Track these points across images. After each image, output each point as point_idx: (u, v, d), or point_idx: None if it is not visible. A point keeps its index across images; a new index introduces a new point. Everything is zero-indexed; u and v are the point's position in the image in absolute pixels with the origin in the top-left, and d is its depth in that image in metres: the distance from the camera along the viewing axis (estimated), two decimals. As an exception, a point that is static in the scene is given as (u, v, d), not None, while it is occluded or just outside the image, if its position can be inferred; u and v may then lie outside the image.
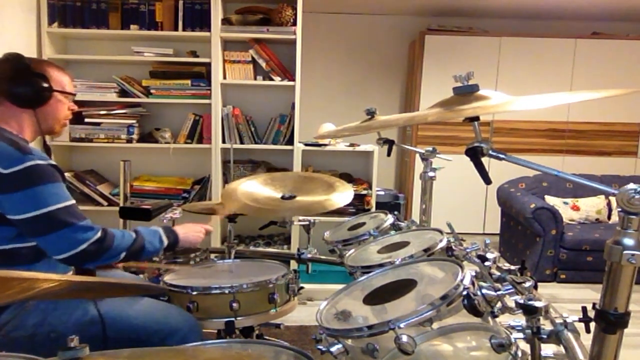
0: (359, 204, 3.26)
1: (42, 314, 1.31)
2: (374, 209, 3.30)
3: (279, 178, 1.93)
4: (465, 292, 0.88)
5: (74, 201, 1.34)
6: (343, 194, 1.78)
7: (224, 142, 3.21)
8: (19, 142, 1.31)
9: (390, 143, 1.96)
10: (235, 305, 1.45)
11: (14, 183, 1.25)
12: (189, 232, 1.60)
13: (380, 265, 1.27)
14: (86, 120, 3.14)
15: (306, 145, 3.28)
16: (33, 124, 1.42)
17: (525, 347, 0.90)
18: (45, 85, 1.40)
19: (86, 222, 1.33)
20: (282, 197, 1.78)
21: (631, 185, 0.71)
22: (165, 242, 1.51)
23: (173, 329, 1.37)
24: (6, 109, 1.39)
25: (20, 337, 1.28)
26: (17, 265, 1.31)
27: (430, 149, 1.84)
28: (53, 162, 1.34)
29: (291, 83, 3.18)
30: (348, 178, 3.44)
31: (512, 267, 1.07)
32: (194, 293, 1.47)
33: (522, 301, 0.90)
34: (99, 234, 1.33)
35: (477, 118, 0.95)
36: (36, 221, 1.26)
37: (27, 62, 1.40)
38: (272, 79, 3.20)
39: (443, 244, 1.31)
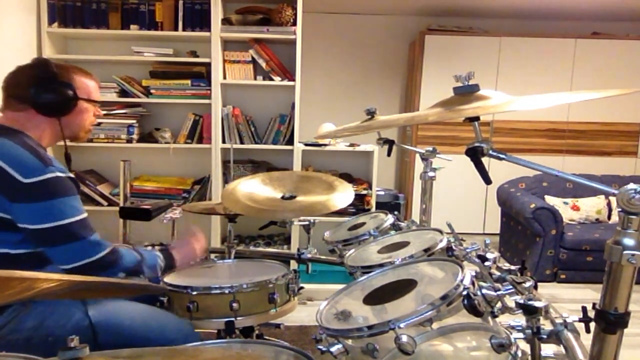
0: (359, 204, 3.26)
1: (40, 317, 1.30)
2: (374, 209, 3.30)
3: (278, 177, 1.93)
4: (465, 292, 0.88)
5: (86, 214, 1.35)
6: (343, 194, 1.78)
7: (224, 142, 3.21)
8: (39, 151, 1.30)
9: (390, 143, 1.96)
10: (235, 305, 1.45)
11: (32, 193, 1.25)
12: (185, 259, 1.61)
13: (380, 265, 1.26)
14: (86, 120, 3.13)
15: (306, 145, 3.28)
16: (54, 131, 1.40)
17: (525, 347, 0.90)
18: (71, 94, 1.38)
19: (96, 237, 1.34)
20: (282, 197, 1.78)
21: (631, 185, 0.71)
22: (161, 270, 1.53)
23: (170, 338, 1.37)
24: (29, 116, 1.37)
25: (16, 341, 1.27)
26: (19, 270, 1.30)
27: (430, 149, 1.84)
28: (71, 175, 1.34)
29: (291, 83, 3.18)
30: (348, 178, 3.44)
31: (512, 267, 1.07)
32: (194, 293, 1.47)
33: (522, 301, 0.90)
34: (107, 250, 1.34)
35: (477, 118, 0.95)
36: (50, 232, 1.27)
37: (54, 70, 1.37)
38: (272, 79, 3.20)
39: (443, 244, 1.31)
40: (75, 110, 1.41)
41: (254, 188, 1.82)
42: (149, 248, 1.54)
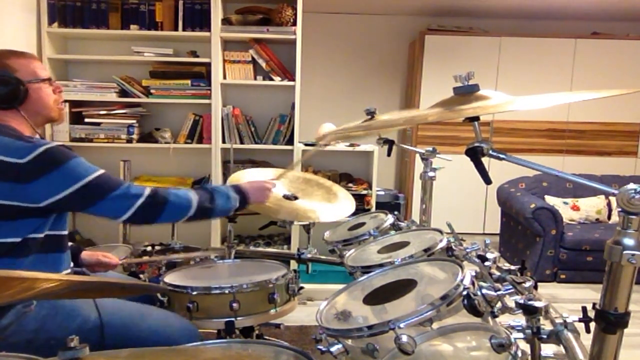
0: (359, 204, 3.25)
1: (42, 320, 1.29)
2: (374, 209, 3.30)
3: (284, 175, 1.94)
4: (465, 292, 0.88)
5: (104, 170, 1.33)
6: (342, 206, 1.79)
7: (224, 142, 3.21)
8: (22, 135, 1.29)
9: (390, 143, 1.96)
10: (235, 305, 1.45)
11: (36, 169, 1.22)
12: (257, 192, 1.57)
13: (380, 265, 1.27)
14: (86, 120, 3.14)
15: (306, 145, 3.28)
16: (25, 121, 1.36)
17: (525, 347, 0.90)
18: (14, 81, 1.31)
19: (129, 184, 1.33)
20: (284, 196, 1.78)
21: (631, 185, 0.71)
22: (236, 204, 1.50)
23: (173, 337, 1.36)
24: None
25: (19, 343, 1.27)
26: (2, 258, 1.27)
27: (430, 149, 1.84)
28: (62, 143, 1.32)
29: (291, 83, 3.17)
30: (348, 178, 3.45)
31: (512, 267, 1.07)
32: (194, 293, 1.47)
33: (522, 301, 0.90)
34: (147, 191, 1.33)
35: (477, 118, 0.95)
36: (77, 195, 1.25)
37: None
38: (272, 79, 3.20)
39: (443, 244, 1.31)
40: (30, 95, 1.35)
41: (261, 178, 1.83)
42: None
